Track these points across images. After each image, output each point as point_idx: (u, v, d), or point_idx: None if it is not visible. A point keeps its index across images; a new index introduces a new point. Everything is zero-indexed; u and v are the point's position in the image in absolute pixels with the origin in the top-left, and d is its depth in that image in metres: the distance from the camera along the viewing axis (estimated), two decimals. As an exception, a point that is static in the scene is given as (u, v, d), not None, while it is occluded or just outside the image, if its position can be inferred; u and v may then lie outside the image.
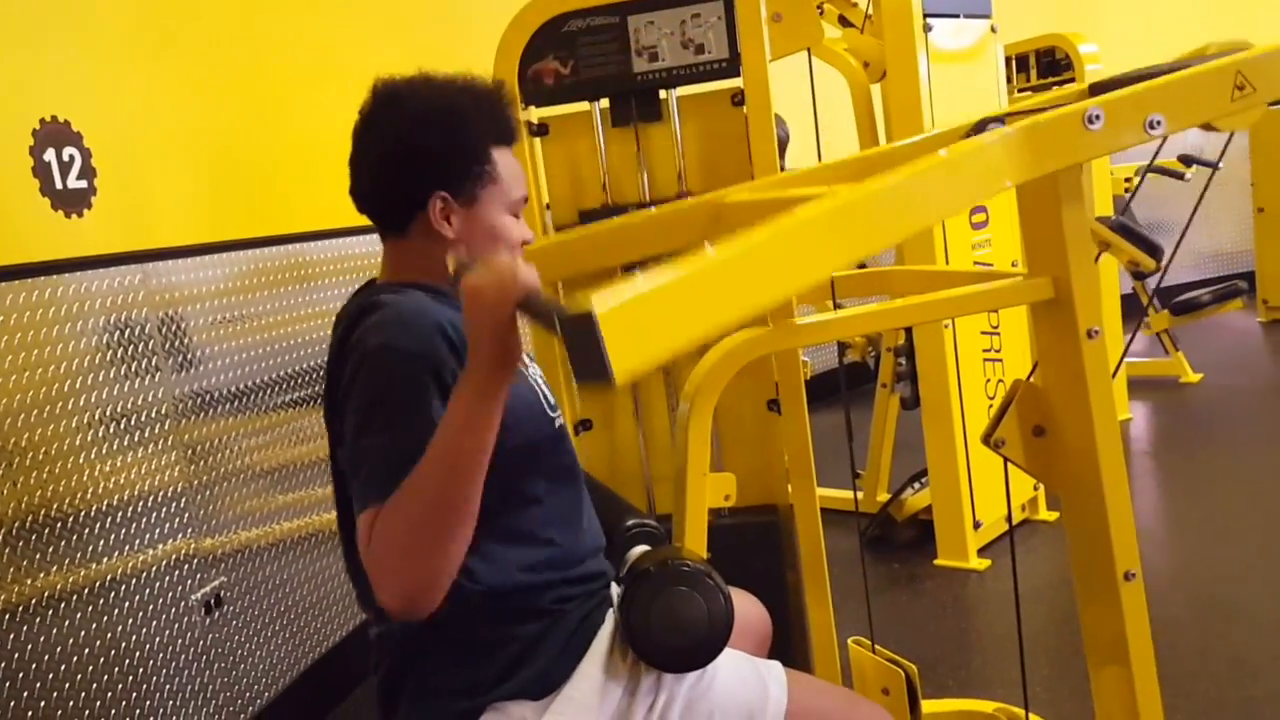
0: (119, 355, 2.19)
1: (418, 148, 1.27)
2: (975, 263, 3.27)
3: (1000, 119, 1.60)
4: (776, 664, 1.42)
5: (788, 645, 2.39)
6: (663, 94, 2.30)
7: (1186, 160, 4.73)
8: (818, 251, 1.04)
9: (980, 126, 1.65)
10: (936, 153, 1.21)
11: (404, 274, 1.31)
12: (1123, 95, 1.26)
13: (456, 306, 1.12)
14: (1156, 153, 1.66)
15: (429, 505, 1.06)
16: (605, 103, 2.32)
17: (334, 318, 1.33)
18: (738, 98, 2.26)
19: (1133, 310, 4.96)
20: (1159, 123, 1.25)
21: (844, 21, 3.43)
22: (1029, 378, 1.47)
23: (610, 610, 1.37)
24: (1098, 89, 1.62)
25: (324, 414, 1.31)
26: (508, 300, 1.02)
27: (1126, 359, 4.66)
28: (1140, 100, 1.26)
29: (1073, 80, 4.27)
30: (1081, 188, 1.38)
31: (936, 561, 3.30)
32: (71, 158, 2.12)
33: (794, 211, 1.02)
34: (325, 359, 1.32)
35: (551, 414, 1.36)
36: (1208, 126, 1.48)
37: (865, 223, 1.09)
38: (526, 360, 1.36)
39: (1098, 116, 1.23)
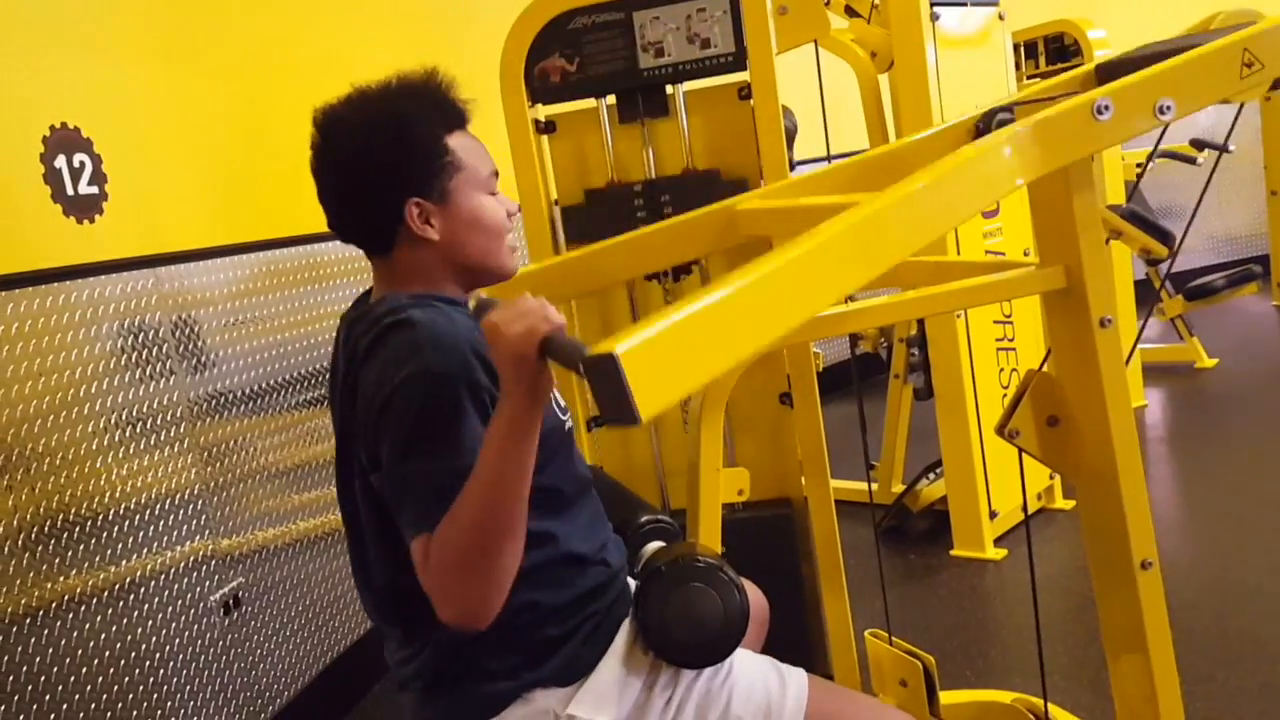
0: (133, 359, 2.20)
1: (375, 165, 1.26)
2: (987, 252, 3.26)
3: (1009, 108, 1.59)
4: (799, 669, 1.42)
5: (804, 639, 2.39)
6: (669, 89, 2.29)
7: (1198, 144, 4.69)
8: (837, 272, 1.01)
9: (989, 116, 1.64)
10: (945, 159, 1.18)
11: (404, 286, 1.29)
12: (1130, 83, 1.25)
13: (474, 319, 1.12)
14: (1160, 138, 1.64)
15: (479, 530, 1.08)
16: (612, 99, 2.32)
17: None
18: (745, 91, 2.26)
19: (1147, 297, 4.93)
20: (1169, 107, 1.24)
21: (850, 12, 3.42)
22: (1041, 367, 1.47)
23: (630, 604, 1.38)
24: (1104, 71, 1.61)
25: (335, 421, 1.30)
26: (531, 343, 1.02)
27: (1141, 345, 4.65)
28: (1148, 86, 1.25)
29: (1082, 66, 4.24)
30: (1092, 176, 1.37)
31: (952, 552, 3.29)
32: (82, 164, 2.13)
33: (810, 234, 0.99)
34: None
35: (562, 416, 1.36)
36: None
37: (881, 239, 1.07)
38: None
39: (1107, 107, 1.22)
